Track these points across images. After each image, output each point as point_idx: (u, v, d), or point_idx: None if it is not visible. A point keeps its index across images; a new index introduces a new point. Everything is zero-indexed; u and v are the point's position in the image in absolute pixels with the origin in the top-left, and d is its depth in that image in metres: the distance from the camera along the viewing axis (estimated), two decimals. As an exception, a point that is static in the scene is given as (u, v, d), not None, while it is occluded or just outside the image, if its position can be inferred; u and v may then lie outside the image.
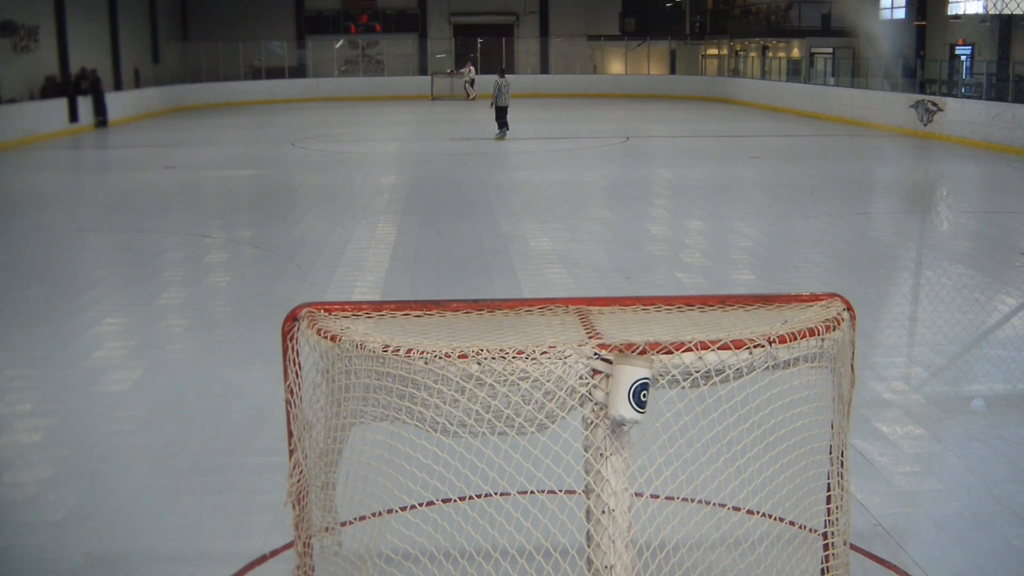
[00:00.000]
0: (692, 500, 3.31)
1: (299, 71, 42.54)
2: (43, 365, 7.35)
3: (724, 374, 2.52)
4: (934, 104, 23.84)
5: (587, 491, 2.54)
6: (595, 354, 2.43)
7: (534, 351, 2.43)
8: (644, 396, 2.37)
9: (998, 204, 15.25)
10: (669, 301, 3.06)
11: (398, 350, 2.49)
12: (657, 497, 2.87)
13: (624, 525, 2.51)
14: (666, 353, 2.47)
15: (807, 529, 2.91)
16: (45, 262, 11.01)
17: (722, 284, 9.74)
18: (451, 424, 2.50)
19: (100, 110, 28.32)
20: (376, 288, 9.56)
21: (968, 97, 25.60)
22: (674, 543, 2.76)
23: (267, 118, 31.87)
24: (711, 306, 3.04)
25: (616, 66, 45.73)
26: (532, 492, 2.74)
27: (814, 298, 2.99)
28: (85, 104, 27.64)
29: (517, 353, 2.43)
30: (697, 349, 2.49)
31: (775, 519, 2.82)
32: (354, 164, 20.15)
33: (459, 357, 2.44)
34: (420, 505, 2.92)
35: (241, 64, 41.24)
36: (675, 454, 2.62)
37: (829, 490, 2.92)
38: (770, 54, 40.13)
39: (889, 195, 16.98)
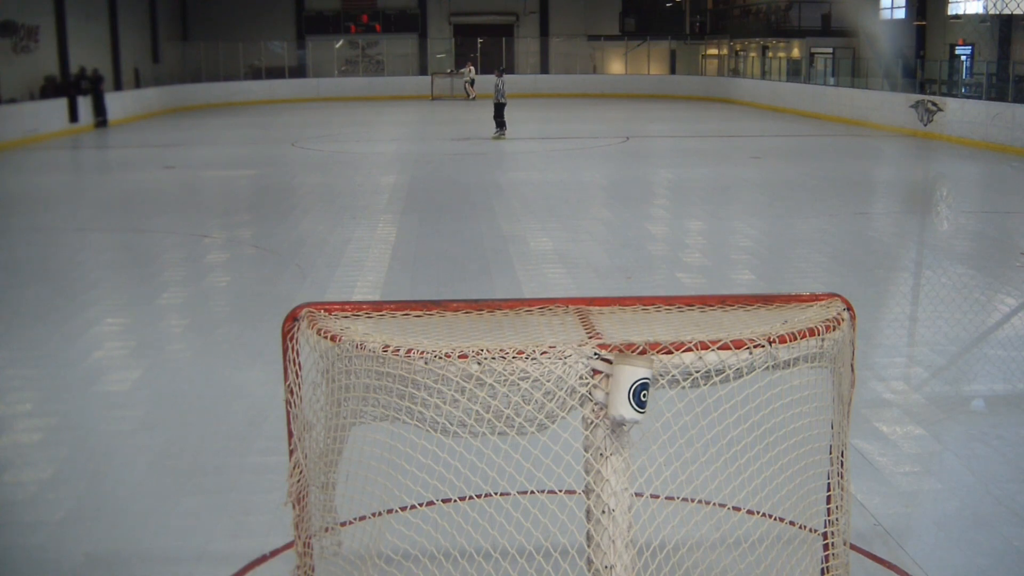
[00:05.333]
0: (692, 500, 3.31)
1: (299, 71, 42.54)
2: (43, 365, 7.35)
3: (724, 374, 2.52)
4: (934, 104, 23.84)
5: (587, 491, 2.54)
6: (595, 354, 2.43)
7: (534, 351, 2.43)
8: (644, 396, 2.37)
9: (998, 204, 15.25)
10: (669, 301, 3.06)
11: (398, 350, 2.48)
12: (657, 497, 2.87)
13: (624, 525, 2.51)
14: (666, 353, 2.47)
15: (807, 529, 2.91)
16: (45, 262, 11.01)
17: (722, 284, 9.74)
18: (451, 424, 2.50)
19: (100, 110, 28.32)
20: (376, 288, 9.55)
21: (968, 97, 25.60)
22: (674, 543, 2.76)
23: (267, 118, 31.87)
24: (711, 306, 3.04)
25: (616, 66, 45.73)
26: (532, 492, 2.74)
27: (814, 298, 2.99)
28: (85, 104, 27.64)
29: (517, 353, 2.43)
30: (697, 349, 2.48)
31: (775, 519, 2.82)
32: (354, 164, 20.15)
33: (459, 357, 2.43)
34: (420, 505, 2.92)
35: (241, 64, 41.24)
36: (675, 454, 2.62)
37: (829, 490, 2.92)
38: (770, 54, 40.12)
39: (889, 195, 16.98)
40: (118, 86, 33.33)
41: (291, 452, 2.89)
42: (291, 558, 3.08)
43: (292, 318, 2.84)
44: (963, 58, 31.17)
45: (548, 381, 2.42)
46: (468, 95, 39.13)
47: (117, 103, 29.92)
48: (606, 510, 2.49)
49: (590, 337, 2.64)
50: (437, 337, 2.69)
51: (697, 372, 2.49)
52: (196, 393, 6.73)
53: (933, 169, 20.03)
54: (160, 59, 39.36)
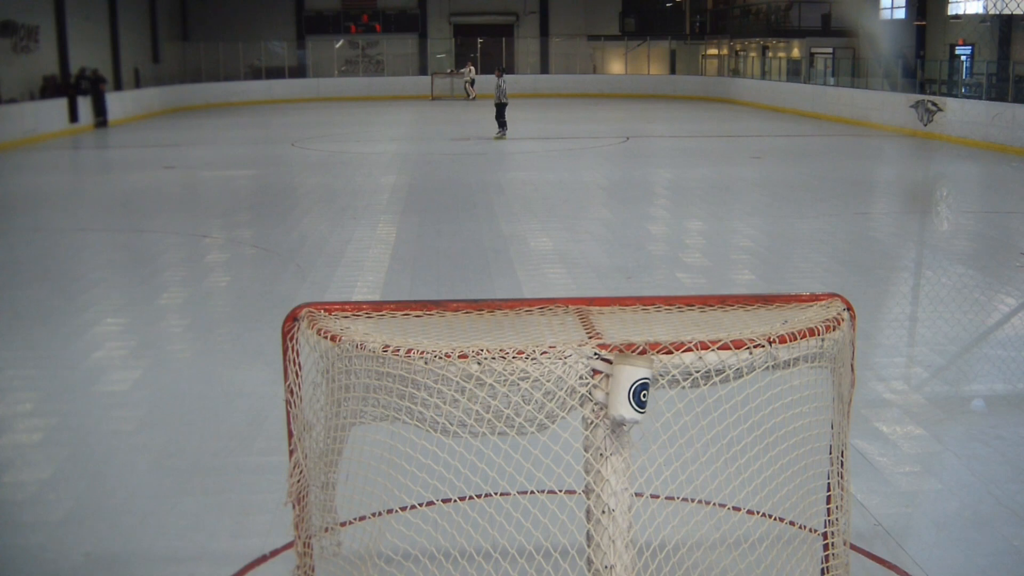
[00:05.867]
0: (692, 500, 3.30)
1: (299, 71, 42.56)
2: (43, 365, 7.35)
3: (724, 374, 2.52)
4: (934, 104, 23.85)
5: (587, 491, 2.54)
6: (595, 354, 2.43)
7: (534, 351, 2.43)
8: (644, 396, 2.37)
9: (998, 204, 15.25)
10: (669, 301, 3.05)
11: (398, 350, 2.48)
12: (657, 497, 2.87)
13: (624, 525, 2.51)
14: (666, 353, 2.47)
15: (807, 529, 2.91)
16: (45, 262, 11.01)
17: (722, 284, 9.74)
18: (451, 424, 2.50)
19: (100, 110, 28.32)
20: (376, 288, 9.56)
21: (968, 97, 25.61)
22: (674, 543, 2.76)
23: (267, 118, 31.87)
24: (711, 306, 3.04)
25: (616, 66, 45.73)
26: (532, 492, 2.74)
27: (814, 298, 2.99)
28: (85, 104, 27.64)
29: (517, 353, 2.43)
30: (697, 349, 2.48)
31: (775, 519, 2.82)
32: (354, 164, 20.15)
33: (459, 357, 2.43)
34: (420, 505, 2.92)
35: (241, 64, 41.25)
36: (675, 454, 2.62)
37: (829, 490, 2.92)
38: (770, 54, 40.13)
39: (889, 195, 16.98)
40: (118, 86, 33.34)
41: (291, 452, 2.89)
42: (291, 558, 3.08)
43: (292, 318, 2.84)
44: (963, 58, 31.17)
45: (548, 381, 2.42)
46: (468, 95, 39.13)
47: (117, 103, 29.92)
48: (606, 510, 2.49)
49: (590, 337, 2.64)
50: (437, 337, 2.69)
51: (697, 372, 2.49)
52: (196, 393, 6.73)
53: (933, 169, 20.02)
54: (160, 59, 39.36)
